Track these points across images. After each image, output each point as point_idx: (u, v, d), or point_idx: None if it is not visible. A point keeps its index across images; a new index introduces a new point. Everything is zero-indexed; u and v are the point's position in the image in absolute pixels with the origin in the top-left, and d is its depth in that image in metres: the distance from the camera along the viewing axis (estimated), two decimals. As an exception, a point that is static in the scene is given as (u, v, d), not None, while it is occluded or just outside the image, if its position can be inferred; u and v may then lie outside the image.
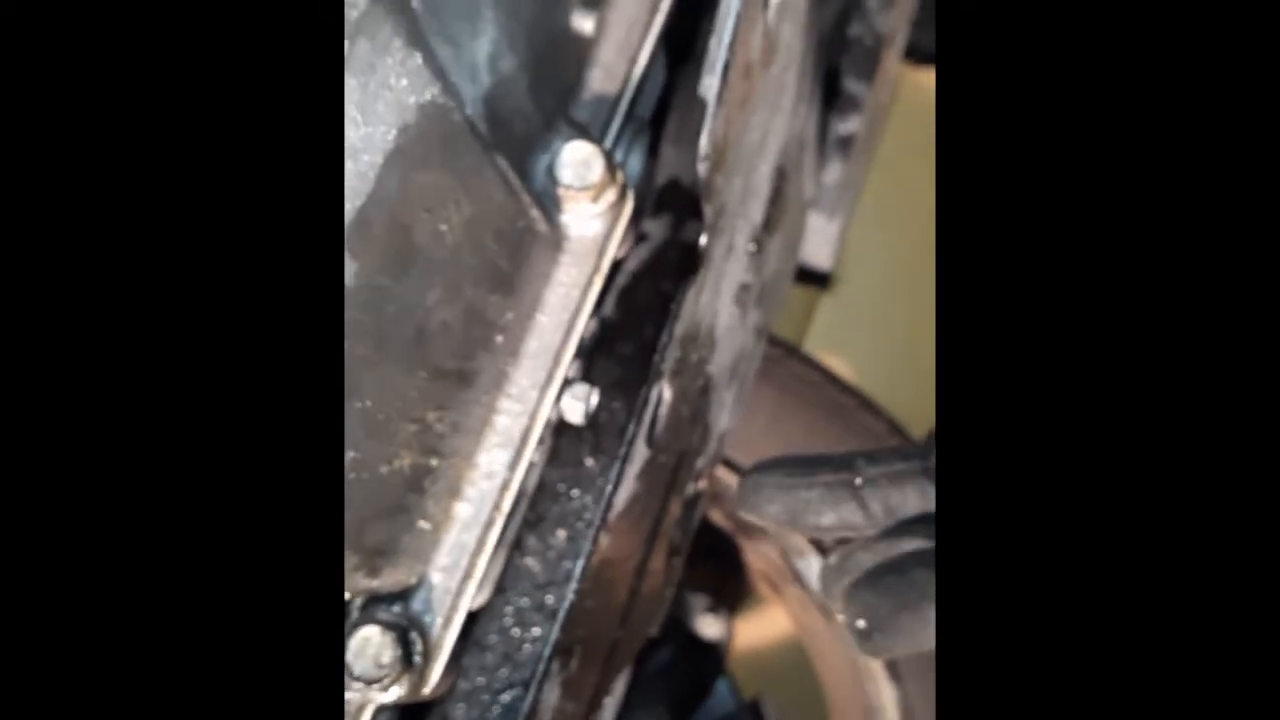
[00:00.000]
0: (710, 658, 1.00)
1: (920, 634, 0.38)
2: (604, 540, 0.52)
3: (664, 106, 0.55)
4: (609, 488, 0.50)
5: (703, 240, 0.51)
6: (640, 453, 0.53)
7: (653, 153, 0.54)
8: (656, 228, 0.55)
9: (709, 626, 0.99)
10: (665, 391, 0.54)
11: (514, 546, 0.53)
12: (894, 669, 0.94)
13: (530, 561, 0.54)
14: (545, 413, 0.46)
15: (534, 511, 0.54)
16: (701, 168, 0.46)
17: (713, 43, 0.43)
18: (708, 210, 0.49)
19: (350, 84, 0.32)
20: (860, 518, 0.42)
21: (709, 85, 0.43)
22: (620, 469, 0.51)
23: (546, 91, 0.45)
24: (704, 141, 0.45)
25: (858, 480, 0.41)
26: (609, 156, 0.45)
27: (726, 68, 0.43)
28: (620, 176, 0.46)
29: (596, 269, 0.47)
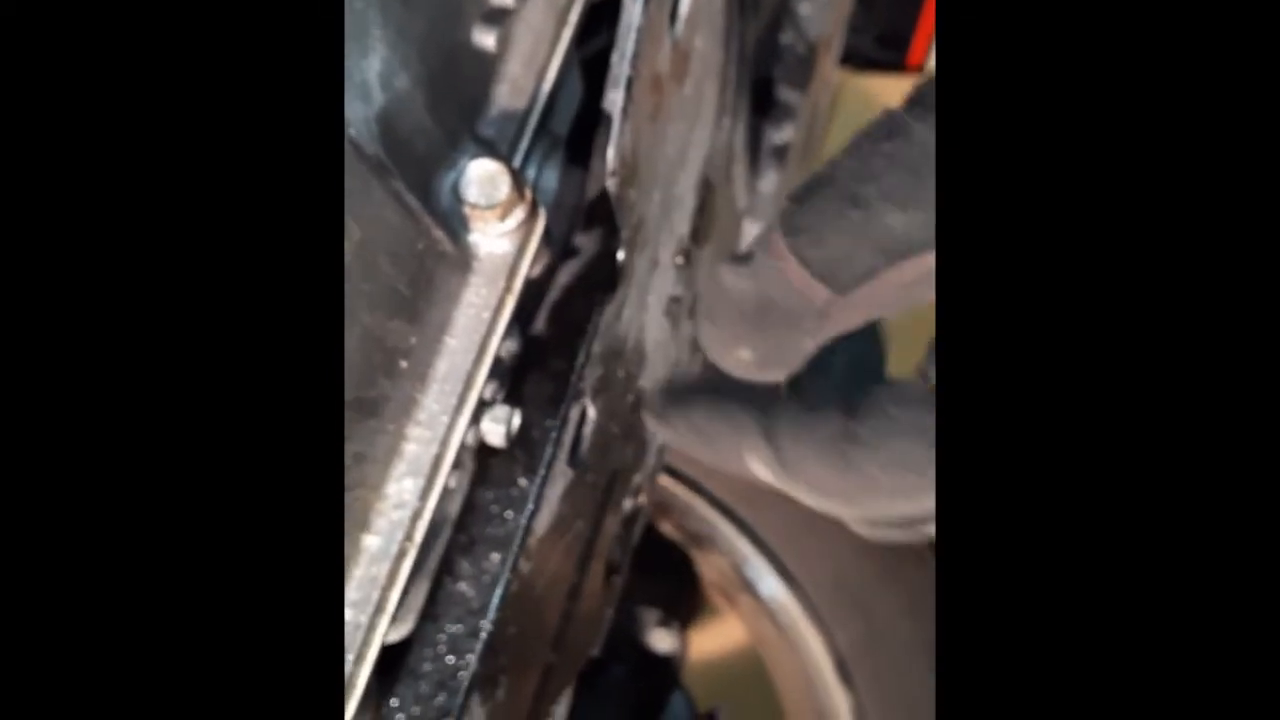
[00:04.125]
0: (665, 672, 0.99)
1: None
2: (526, 566, 0.50)
3: (585, 123, 0.54)
4: (529, 510, 0.49)
5: (620, 255, 0.50)
6: (563, 474, 0.52)
7: (572, 168, 0.53)
8: (588, 241, 0.54)
9: (662, 640, 0.98)
10: (589, 410, 0.53)
11: (444, 570, 0.52)
12: (847, 676, 0.94)
13: (463, 586, 0.52)
14: (457, 439, 0.44)
15: (465, 534, 0.52)
16: (611, 183, 0.45)
17: (615, 57, 0.42)
18: (623, 225, 0.48)
19: None
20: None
21: (613, 100, 0.42)
22: (539, 492, 0.50)
23: (448, 108, 0.44)
24: (611, 155, 0.44)
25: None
26: (516, 173, 0.44)
27: (630, 81, 0.42)
28: (529, 194, 0.45)
29: (508, 289, 0.45)
